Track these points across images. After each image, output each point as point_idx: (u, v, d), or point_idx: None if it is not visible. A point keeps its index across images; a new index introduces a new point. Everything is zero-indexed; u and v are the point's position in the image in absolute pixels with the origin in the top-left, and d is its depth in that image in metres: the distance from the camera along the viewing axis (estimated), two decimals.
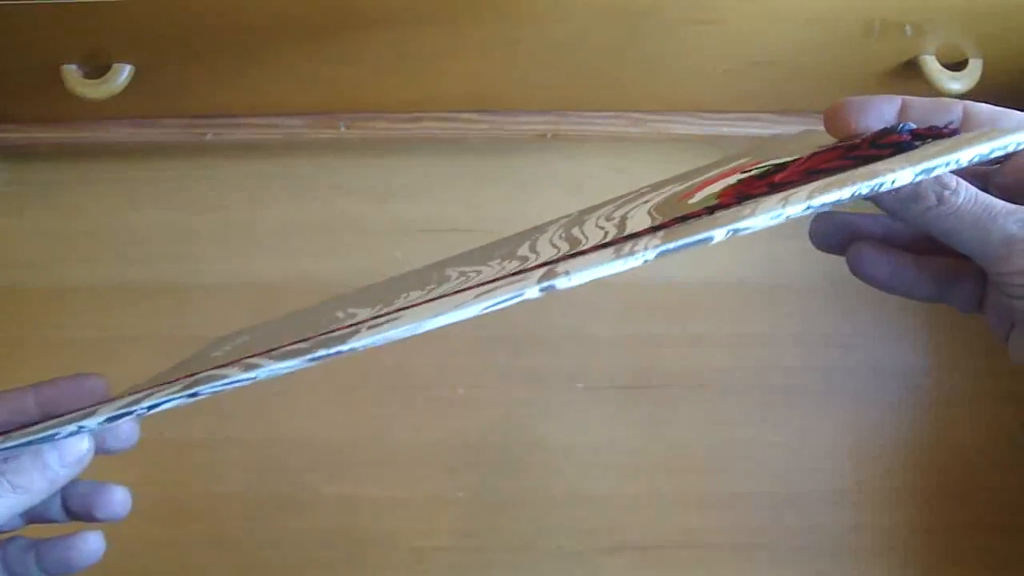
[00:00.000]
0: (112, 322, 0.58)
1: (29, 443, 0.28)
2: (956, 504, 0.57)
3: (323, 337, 0.29)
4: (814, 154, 0.29)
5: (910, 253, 0.31)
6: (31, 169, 0.60)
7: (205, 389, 0.27)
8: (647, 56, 0.48)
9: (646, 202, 0.33)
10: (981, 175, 0.29)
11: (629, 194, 0.37)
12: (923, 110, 0.29)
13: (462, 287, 0.29)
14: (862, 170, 0.26)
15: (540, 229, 0.37)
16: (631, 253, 0.25)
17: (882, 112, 0.29)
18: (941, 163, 0.24)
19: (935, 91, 0.47)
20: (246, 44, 0.46)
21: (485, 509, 0.57)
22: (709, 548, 0.57)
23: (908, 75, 0.49)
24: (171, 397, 0.27)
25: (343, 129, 0.56)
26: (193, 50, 0.46)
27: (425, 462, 0.57)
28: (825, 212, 0.31)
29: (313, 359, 0.26)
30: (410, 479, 0.57)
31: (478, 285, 0.28)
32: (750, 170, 0.31)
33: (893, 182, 0.24)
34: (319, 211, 0.59)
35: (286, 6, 0.42)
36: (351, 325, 0.29)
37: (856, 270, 0.31)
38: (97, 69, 0.47)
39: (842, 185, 0.25)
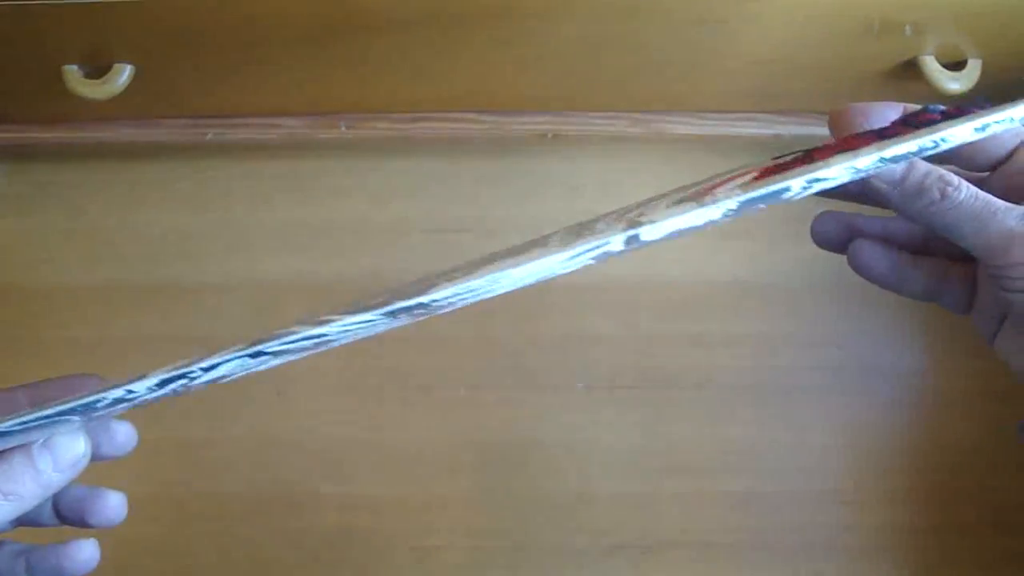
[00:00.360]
0: (112, 322, 0.58)
1: (64, 412, 0.26)
2: (953, 504, 0.58)
3: (399, 290, 0.26)
4: (844, 139, 0.29)
5: (906, 252, 0.32)
6: (31, 169, 0.60)
7: (270, 346, 0.25)
8: (647, 56, 0.48)
9: (656, 205, 0.33)
10: (975, 182, 0.30)
11: (631, 204, 0.36)
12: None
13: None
14: (923, 131, 0.26)
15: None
16: (713, 202, 0.25)
17: (886, 116, 0.30)
18: (999, 120, 0.26)
19: (935, 91, 0.47)
20: (247, 44, 0.46)
21: (485, 509, 0.57)
22: (709, 548, 0.57)
23: (907, 75, 0.49)
24: (232, 356, 0.25)
25: (343, 129, 0.56)
26: (194, 51, 0.46)
27: (425, 462, 0.57)
28: (827, 211, 0.33)
29: (390, 312, 0.24)
30: (410, 479, 0.57)
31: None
32: (771, 163, 0.31)
33: (952, 137, 0.26)
34: (319, 211, 0.59)
35: (287, 7, 0.42)
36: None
37: (856, 265, 0.32)
38: (98, 69, 0.47)
39: (908, 141, 0.26)
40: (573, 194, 0.60)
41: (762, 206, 0.25)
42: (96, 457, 0.30)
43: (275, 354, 0.25)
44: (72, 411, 0.26)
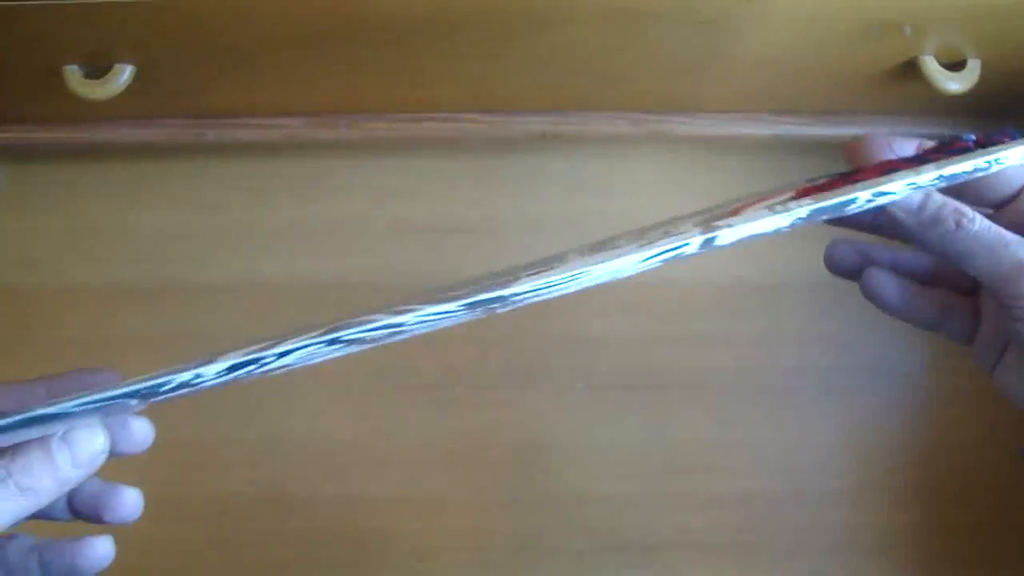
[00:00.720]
0: (112, 322, 0.58)
1: (125, 395, 0.25)
2: (955, 504, 0.58)
3: (478, 282, 0.27)
4: (884, 163, 0.31)
5: (915, 282, 0.34)
6: (31, 169, 0.60)
7: (347, 333, 0.25)
8: (647, 56, 0.48)
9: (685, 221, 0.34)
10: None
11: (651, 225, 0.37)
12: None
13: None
14: (976, 152, 0.28)
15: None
16: (785, 210, 0.26)
17: (903, 149, 0.32)
18: None
19: (934, 91, 0.47)
20: (247, 45, 0.46)
21: (485, 509, 0.57)
22: (709, 548, 0.57)
23: (907, 75, 0.49)
24: (308, 342, 0.25)
25: (344, 129, 0.56)
26: (194, 51, 0.46)
27: (425, 462, 0.57)
28: (841, 239, 0.35)
29: (470, 304, 0.25)
30: (410, 479, 0.57)
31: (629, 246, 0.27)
32: (805, 185, 0.33)
33: (1005, 158, 0.28)
34: (319, 211, 0.59)
35: (287, 7, 0.42)
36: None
37: (868, 292, 0.34)
38: (98, 69, 0.47)
39: (965, 160, 0.28)
40: (573, 194, 0.60)
41: (825, 217, 0.27)
42: (112, 454, 0.30)
43: (350, 341, 0.25)
44: (133, 394, 0.26)
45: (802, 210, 0.26)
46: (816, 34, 0.46)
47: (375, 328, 0.25)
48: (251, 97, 0.54)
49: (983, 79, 0.48)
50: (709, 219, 0.31)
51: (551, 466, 0.57)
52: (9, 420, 0.26)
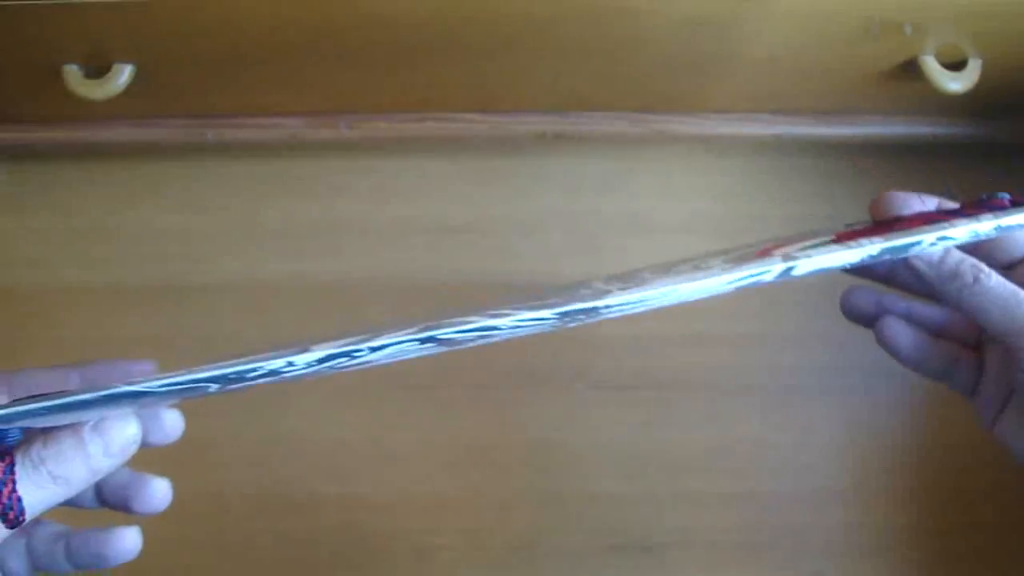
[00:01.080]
0: (112, 322, 0.58)
1: (209, 380, 0.25)
2: (955, 504, 0.58)
3: (573, 295, 0.28)
4: (920, 215, 0.33)
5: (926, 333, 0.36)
6: (31, 169, 0.60)
7: (441, 333, 0.25)
8: (647, 56, 0.48)
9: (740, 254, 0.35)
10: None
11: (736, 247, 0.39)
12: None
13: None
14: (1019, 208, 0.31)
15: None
16: (857, 245, 0.28)
17: (924, 204, 0.34)
18: None
19: (935, 91, 0.47)
20: (247, 44, 0.46)
21: (485, 509, 0.57)
22: (709, 548, 0.57)
23: (907, 75, 0.49)
24: (402, 339, 0.25)
25: (344, 129, 0.56)
26: (194, 51, 0.46)
27: (425, 462, 0.57)
28: (857, 287, 0.37)
29: (564, 313, 0.26)
30: (410, 479, 0.57)
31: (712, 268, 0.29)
32: (844, 229, 0.34)
33: None
34: (319, 211, 0.59)
35: (287, 7, 0.42)
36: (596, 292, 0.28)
37: (884, 339, 0.36)
38: (98, 69, 0.47)
39: (1016, 213, 0.30)
40: (573, 194, 0.60)
41: (890, 256, 0.29)
42: (141, 444, 0.29)
43: (443, 341, 0.26)
44: (219, 379, 0.26)
45: (873, 247, 0.28)
46: (816, 34, 0.46)
47: (470, 330, 0.26)
48: (251, 97, 0.54)
49: (984, 79, 0.48)
50: (737, 258, 0.32)
51: (551, 466, 0.57)
52: (89, 396, 0.26)
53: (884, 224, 0.33)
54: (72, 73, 0.47)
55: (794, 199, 0.60)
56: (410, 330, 0.26)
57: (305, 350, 0.26)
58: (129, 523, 0.31)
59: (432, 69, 0.50)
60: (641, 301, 0.26)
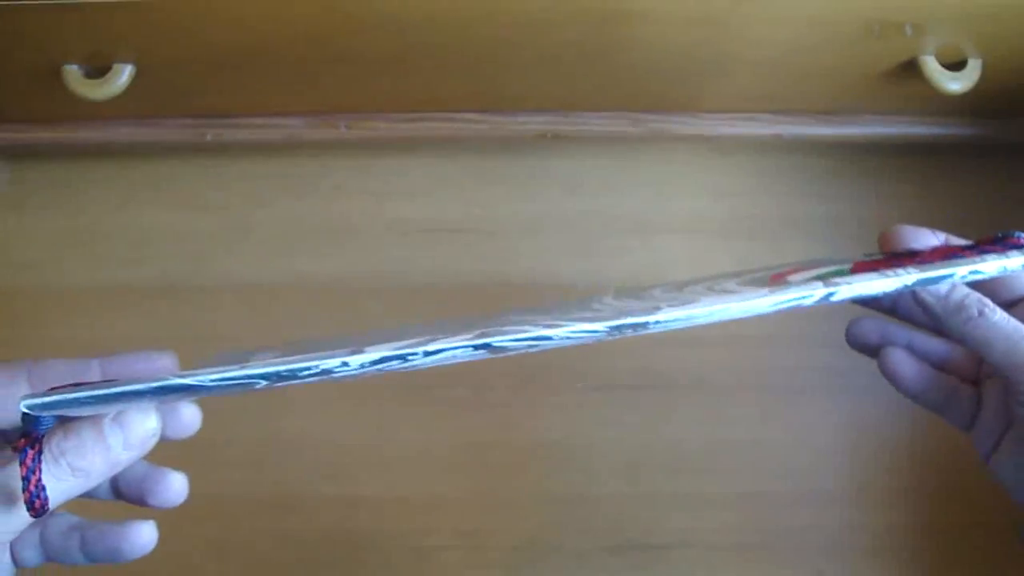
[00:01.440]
0: (112, 322, 0.58)
1: (261, 376, 0.26)
2: (956, 504, 0.58)
3: (622, 309, 0.29)
4: (936, 249, 0.34)
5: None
6: (31, 169, 0.60)
7: (496, 340, 0.26)
8: (647, 56, 0.48)
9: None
10: None
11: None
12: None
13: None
14: None
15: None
16: (894, 274, 0.29)
17: (930, 239, 0.35)
18: None
19: (935, 91, 0.47)
20: (247, 45, 0.46)
21: (485, 509, 0.57)
22: (709, 548, 0.57)
23: (907, 75, 0.49)
24: (457, 345, 0.26)
25: (343, 129, 0.56)
26: (194, 50, 0.46)
27: (425, 462, 0.57)
28: (862, 317, 0.38)
29: (615, 327, 0.26)
30: (410, 479, 0.57)
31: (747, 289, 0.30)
32: (863, 259, 0.35)
33: None
34: (319, 211, 0.59)
35: (287, 7, 0.42)
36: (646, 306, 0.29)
37: (886, 369, 0.36)
38: (98, 69, 0.47)
39: None
40: (573, 194, 0.60)
41: (926, 286, 0.30)
42: (161, 438, 0.29)
43: (496, 349, 0.26)
44: (271, 376, 0.26)
45: (910, 277, 0.29)
46: (816, 34, 0.46)
47: (524, 339, 0.26)
48: (251, 97, 0.54)
49: (984, 79, 0.48)
50: (750, 281, 0.34)
51: (551, 466, 0.57)
52: (140, 387, 0.26)
53: (900, 257, 0.34)
54: (72, 73, 0.47)
55: (794, 199, 0.60)
56: (465, 336, 0.26)
57: (359, 351, 0.26)
58: (144, 517, 0.31)
59: (432, 69, 0.50)
60: (689, 318, 0.27)
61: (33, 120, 0.55)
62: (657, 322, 0.27)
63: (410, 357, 0.26)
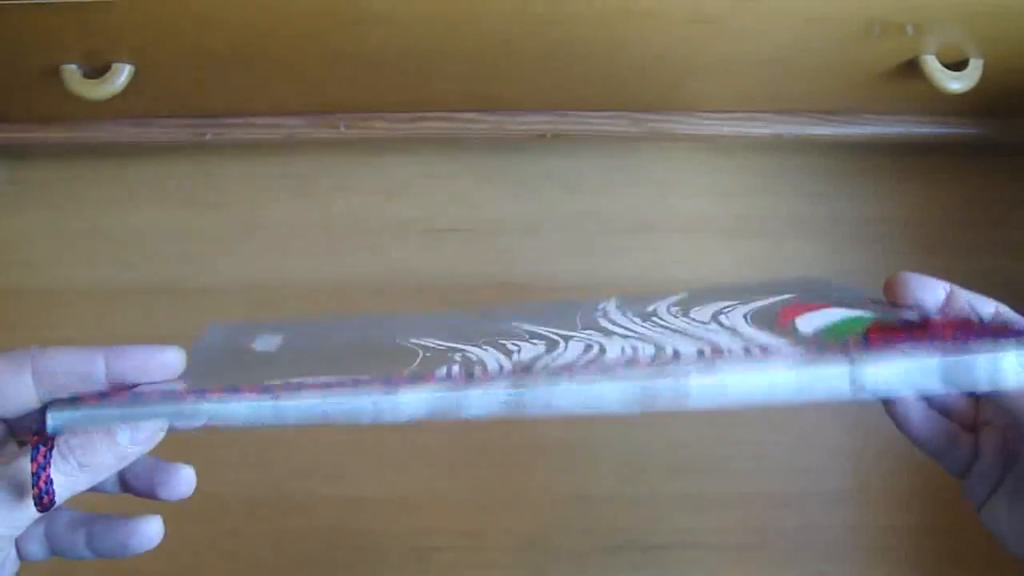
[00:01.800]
0: (112, 322, 0.58)
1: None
2: (955, 505, 0.57)
3: (655, 367, 0.31)
4: (946, 323, 0.33)
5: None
6: (31, 169, 0.60)
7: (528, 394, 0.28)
8: (647, 56, 0.48)
9: (730, 307, 0.37)
10: None
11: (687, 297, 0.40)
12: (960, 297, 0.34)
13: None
14: None
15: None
16: (916, 355, 0.30)
17: (936, 289, 0.34)
18: None
19: (936, 90, 0.47)
20: (246, 44, 0.46)
21: (485, 509, 0.57)
22: (709, 548, 0.57)
23: (908, 75, 0.49)
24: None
25: (343, 129, 0.56)
26: (193, 51, 0.46)
27: (425, 462, 0.57)
28: None
29: (647, 393, 0.30)
30: (410, 479, 0.57)
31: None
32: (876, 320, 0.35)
33: None
34: (319, 211, 0.59)
35: (286, 7, 0.42)
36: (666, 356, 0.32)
37: (895, 414, 0.36)
38: (97, 69, 0.47)
39: None
40: (573, 194, 0.60)
41: (948, 374, 0.30)
42: (167, 430, 0.29)
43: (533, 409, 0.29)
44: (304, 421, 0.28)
45: (933, 360, 0.30)
46: (817, 34, 0.46)
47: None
48: (250, 97, 0.54)
49: (985, 78, 0.48)
50: (758, 319, 0.35)
51: (551, 466, 0.57)
52: (171, 408, 0.28)
53: (912, 328, 0.33)
54: (71, 73, 0.47)
55: (794, 198, 0.60)
56: (502, 383, 0.28)
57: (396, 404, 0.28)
58: (144, 512, 0.31)
59: (432, 69, 0.50)
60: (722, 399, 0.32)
61: (32, 120, 0.55)
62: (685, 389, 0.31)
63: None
